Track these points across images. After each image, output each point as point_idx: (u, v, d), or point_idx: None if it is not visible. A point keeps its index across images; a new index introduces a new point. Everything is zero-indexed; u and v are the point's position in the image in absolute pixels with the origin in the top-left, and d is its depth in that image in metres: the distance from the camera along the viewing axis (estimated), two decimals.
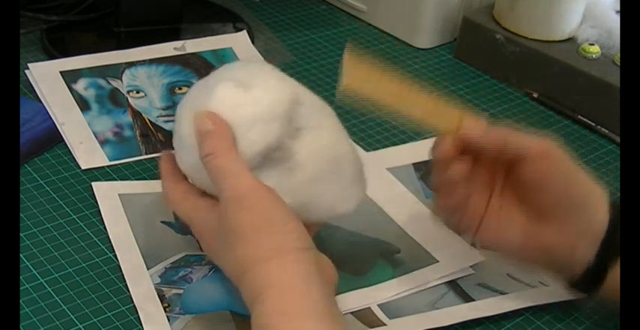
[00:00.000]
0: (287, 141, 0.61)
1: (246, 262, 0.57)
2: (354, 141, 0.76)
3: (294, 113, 0.62)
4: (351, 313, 0.67)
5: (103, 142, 0.81)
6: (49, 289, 0.66)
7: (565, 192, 0.65)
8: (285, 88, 0.62)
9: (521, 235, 0.67)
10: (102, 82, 0.87)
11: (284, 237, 0.57)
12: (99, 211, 0.73)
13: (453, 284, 0.71)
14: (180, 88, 0.89)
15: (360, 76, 0.63)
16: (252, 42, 0.98)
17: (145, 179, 0.78)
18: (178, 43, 0.94)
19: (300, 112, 0.62)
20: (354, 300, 0.67)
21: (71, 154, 0.80)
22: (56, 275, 0.67)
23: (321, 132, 0.63)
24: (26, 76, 0.86)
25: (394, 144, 0.87)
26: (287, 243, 0.57)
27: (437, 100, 0.65)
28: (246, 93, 0.61)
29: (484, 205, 0.67)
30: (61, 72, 0.87)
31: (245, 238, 0.57)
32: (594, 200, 0.66)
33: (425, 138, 0.86)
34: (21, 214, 0.72)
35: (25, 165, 0.78)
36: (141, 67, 0.90)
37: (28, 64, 0.87)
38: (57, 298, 0.65)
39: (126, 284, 0.67)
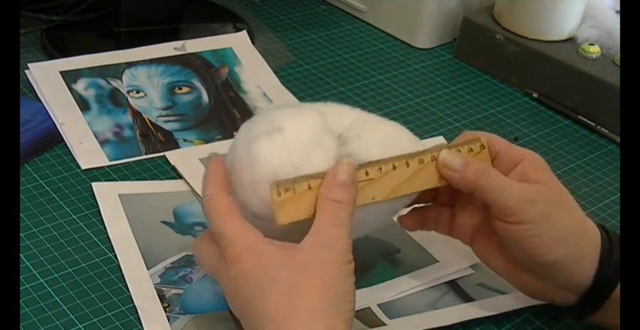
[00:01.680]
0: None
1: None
2: None
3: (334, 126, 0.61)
4: None
5: (103, 142, 0.81)
6: (49, 289, 0.66)
7: (535, 254, 0.61)
8: (311, 118, 0.61)
9: (504, 269, 0.65)
10: (102, 82, 0.87)
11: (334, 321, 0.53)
12: (99, 211, 0.73)
13: (453, 284, 0.71)
14: (180, 88, 0.89)
15: (295, 206, 0.56)
16: (252, 42, 0.98)
17: (145, 179, 0.78)
18: (178, 43, 0.94)
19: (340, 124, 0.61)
20: None
21: (71, 154, 0.80)
22: (56, 275, 0.67)
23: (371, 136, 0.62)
24: (26, 76, 0.86)
25: None
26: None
27: (398, 165, 0.60)
28: (281, 139, 0.59)
29: (476, 219, 0.65)
30: (61, 72, 0.87)
31: (297, 317, 0.53)
32: (570, 263, 0.62)
33: (424, 138, 0.86)
34: (21, 214, 0.72)
35: (25, 165, 0.78)
36: (141, 67, 0.90)
37: (28, 64, 0.87)
38: (57, 298, 0.65)
39: (126, 284, 0.67)
